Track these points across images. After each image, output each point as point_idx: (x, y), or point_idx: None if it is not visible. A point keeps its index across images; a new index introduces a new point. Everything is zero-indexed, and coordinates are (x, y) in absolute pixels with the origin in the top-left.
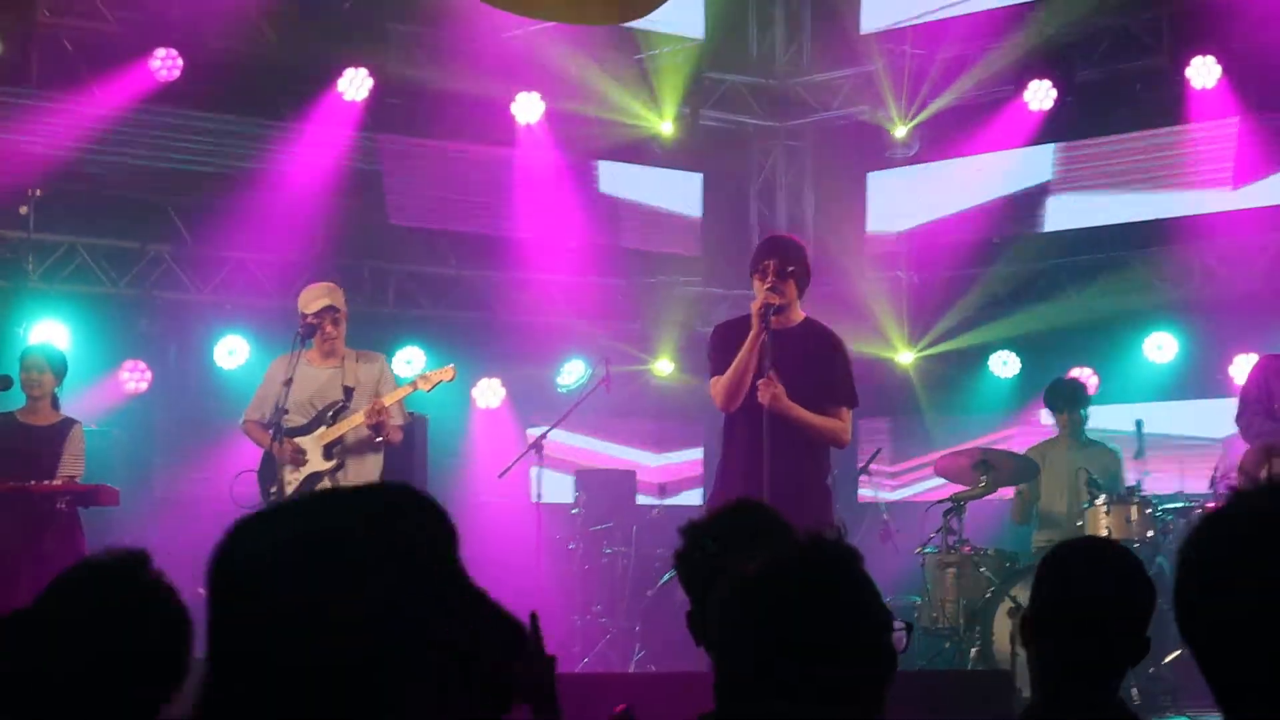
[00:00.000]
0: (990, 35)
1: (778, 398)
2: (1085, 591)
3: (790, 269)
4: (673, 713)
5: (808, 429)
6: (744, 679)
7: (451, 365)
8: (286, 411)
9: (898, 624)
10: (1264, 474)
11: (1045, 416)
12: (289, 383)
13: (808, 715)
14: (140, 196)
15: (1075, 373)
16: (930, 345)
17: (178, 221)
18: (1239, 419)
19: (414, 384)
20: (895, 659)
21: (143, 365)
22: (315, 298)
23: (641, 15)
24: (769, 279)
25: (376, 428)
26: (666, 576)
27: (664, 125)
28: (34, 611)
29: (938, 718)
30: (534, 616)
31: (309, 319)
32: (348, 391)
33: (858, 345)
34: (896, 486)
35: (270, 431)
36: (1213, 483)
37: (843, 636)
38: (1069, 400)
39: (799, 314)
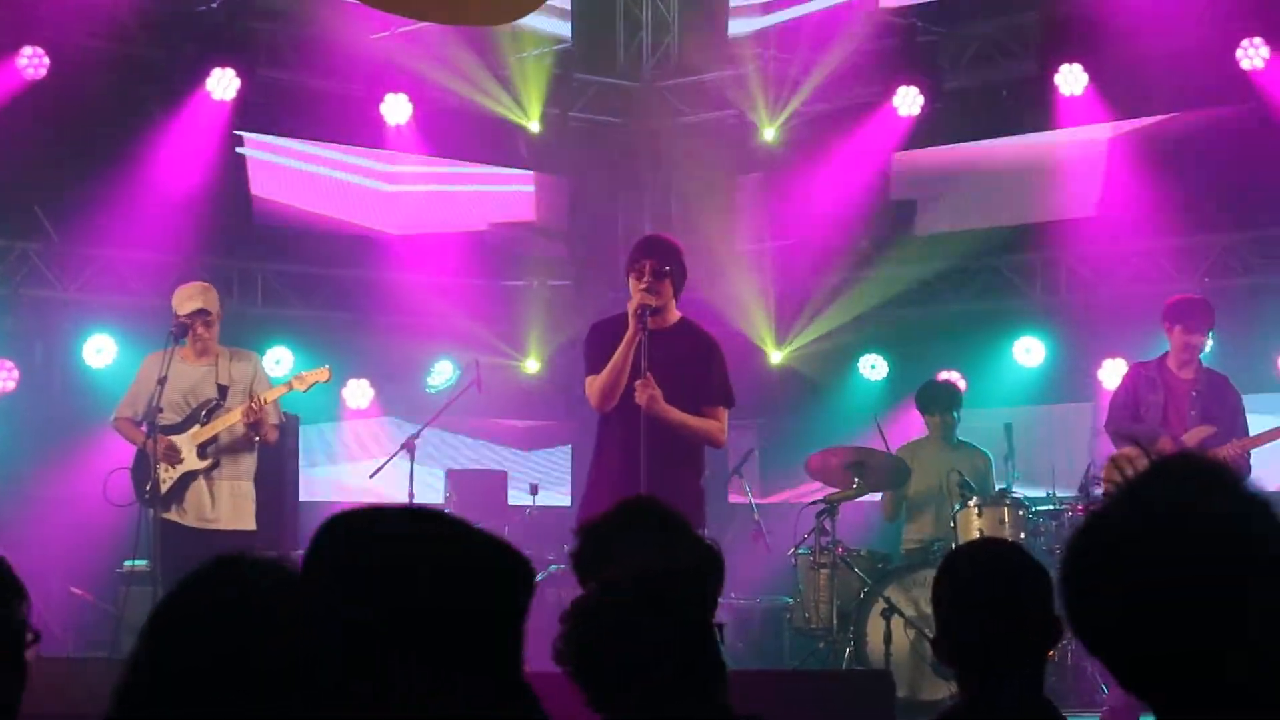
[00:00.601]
0: (859, 41)
1: (655, 399)
2: (988, 594)
3: (667, 269)
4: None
5: (683, 430)
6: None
7: (327, 366)
8: (161, 410)
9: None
10: (1118, 477)
11: (913, 419)
12: (163, 381)
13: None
14: (6, 194)
15: (944, 376)
16: (799, 348)
17: (44, 219)
18: (1106, 425)
19: (289, 384)
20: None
21: (9, 364)
22: (188, 298)
23: (515, 18)
24: (645, 279)
25: (254, 426)
26: (540, 576)
27: (532, 125)
28: None
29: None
30: None
31: (181, 319)
32: (222, 390)
33: (726, 347)
34: (767, 491)
35: (143, 429)
36: (1082, 486)
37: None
38: (942, 402)
39: (675, 315)
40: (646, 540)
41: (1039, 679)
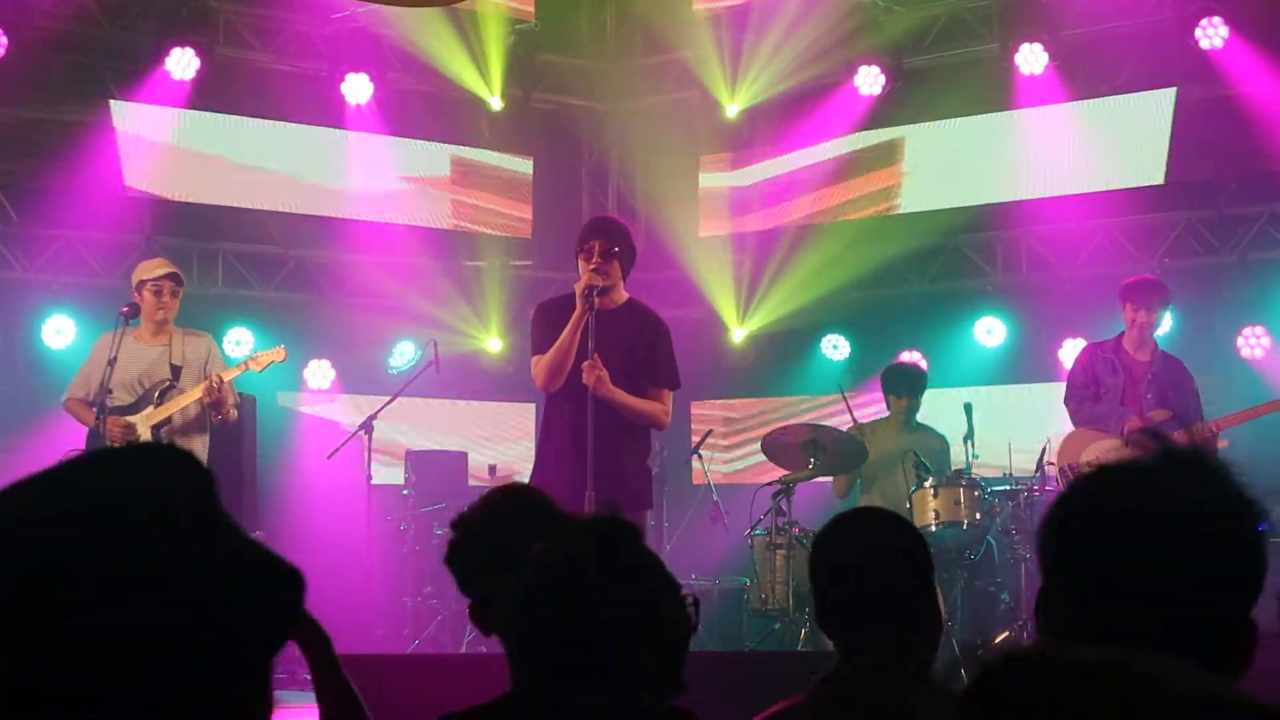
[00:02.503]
0: (821, 21)
1: (602, 380)
2: (841, 560)
3: (615, 249)
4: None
5: (629, 412)
6: (545, 665)
7: (282, 346)
8: (111, 391)
9: (687, 596)
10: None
11: (875, 399)
12: (113, 362)
13: (612, 701)
14: None
15: (907, 357)
16: (762, 328)
17: (3, 199)
18: (1066, 403)
19: (245, 364)
20: (689, 632)
21: None
22: (156, 265)
23: None
24: (594, 260)
25: (216, 405)
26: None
27: (493, 101)
28: None
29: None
30: None
31: (148, 284)
32: (175, 370)
33: (690, 328)
34: (729, 462)
35: (94, 410)
36: (1039, 466)
37: (640, 614)
38: (908, 386)
39: (623, 295)
40: (520, 529)
41: (901, 639)
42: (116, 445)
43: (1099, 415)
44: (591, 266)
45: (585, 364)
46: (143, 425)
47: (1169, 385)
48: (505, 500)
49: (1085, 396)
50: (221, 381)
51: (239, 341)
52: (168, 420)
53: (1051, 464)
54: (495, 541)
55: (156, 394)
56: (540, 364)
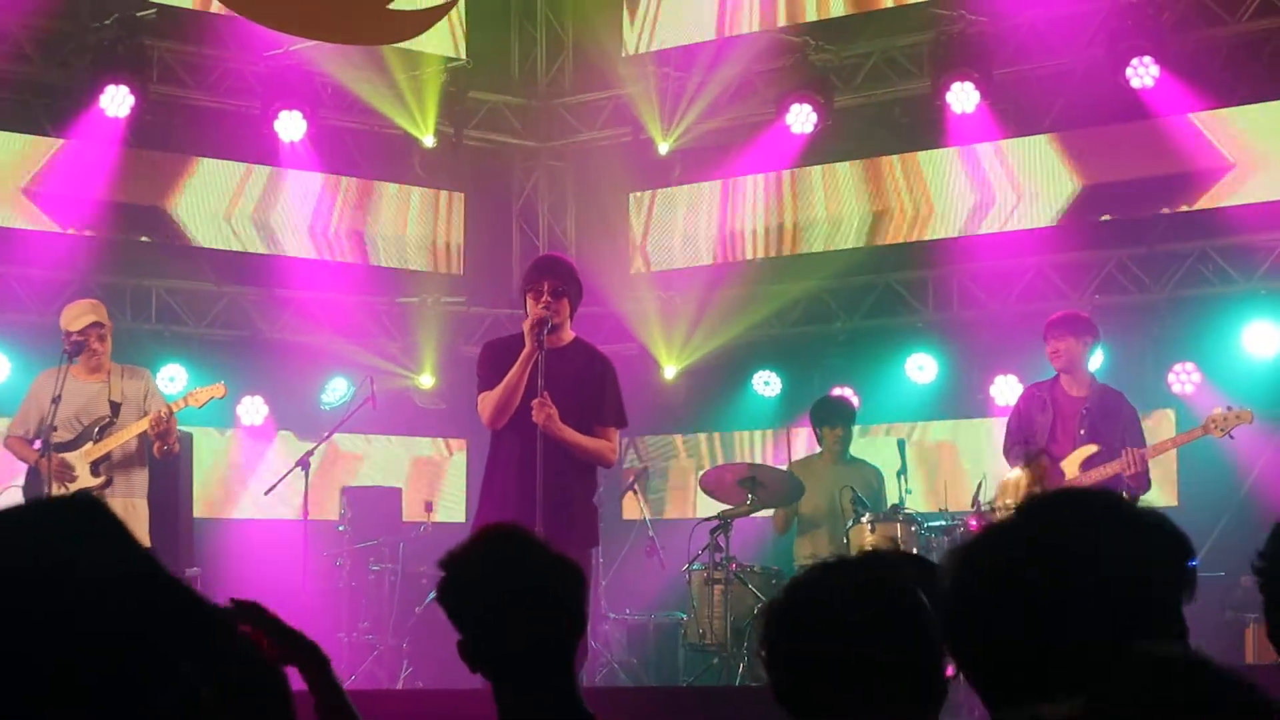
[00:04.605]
0: (753, 59)
1: (551, 418)
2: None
3: (563, 289)
4: None
5: (577, 450)
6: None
7: (221, 382)
8: (56, 429)
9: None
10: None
11: (806, 436)
12: (58, 399)
13: None
14: None
15: (838, 392)
16: (693, 365)
17: None
18: (1004, 451)
19: (185, 399)
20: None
21: None
22: (79, 314)
23: (408, 38)
24: (543, 298)
25: (163, 435)
26: (434, 594)
27: (425, 138)
28: None
29: None
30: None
31: (74, 336)
32: (114, 407)
33: (621, 364)
34: (661, 506)
35: (36, 447)
36: (974, 502)
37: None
38: (838, 417)
39: (570, 334)
40: (507, 564)
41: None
42: (53, 481)
43: (1025, 455)
44: (541, 305)
45: (535, 402)
46: (81, 462)
47: (1102, 418)
48: (496, 538)
49: (1016, 441)
50: (170, 413)
51: (172, 378)
52: (107, 456)
53: (990, 503)
54: (485, 578)
55: (96, 430)
56: (488, 400)
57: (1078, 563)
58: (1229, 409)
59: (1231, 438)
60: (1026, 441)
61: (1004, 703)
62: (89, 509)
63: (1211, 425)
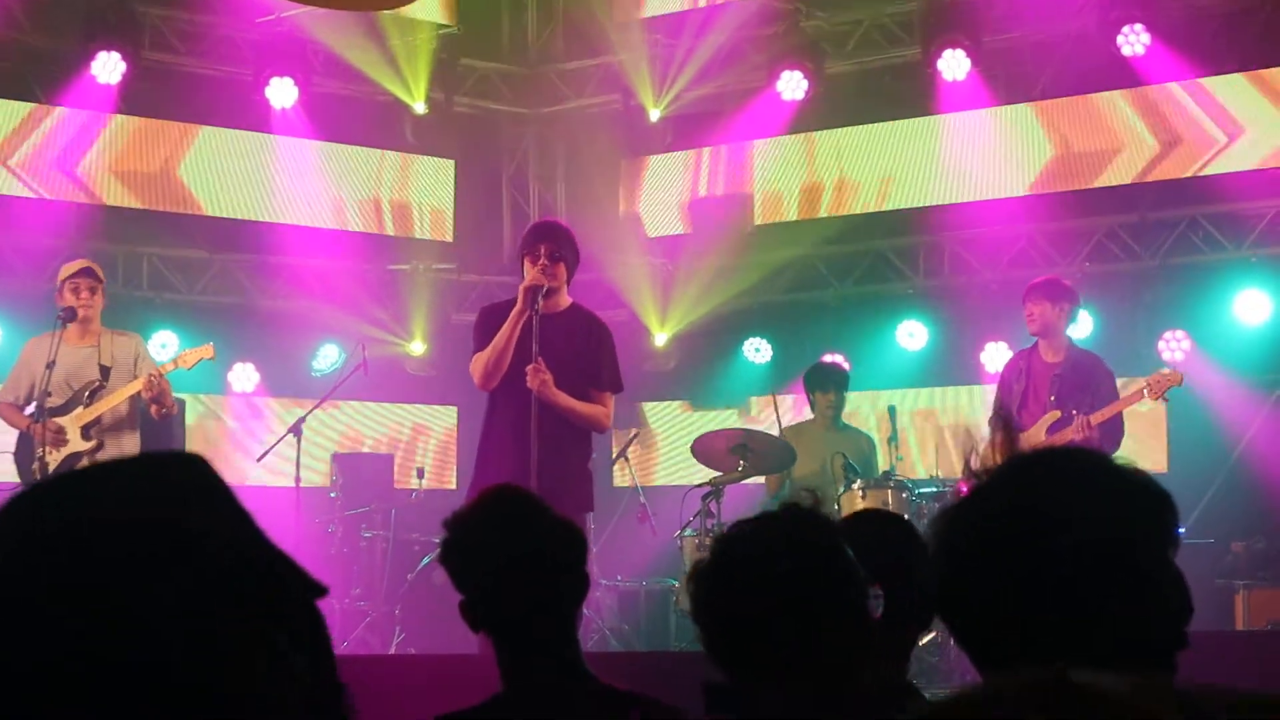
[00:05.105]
0: (743, 25)
1: (546, 384)
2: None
3: (560, 253)
4: (437, 695)
5: (572, 415)
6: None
7: (210, 343)
8: (50, 394)
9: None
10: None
11: (798, 403)
12: (51, 364)
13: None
14: None
15: (828, 358)
16: (684, 332)
17: None
18: (989, 421)
19: (175, 362)
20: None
21: None
22: (73, 264)
23: (400, 4)
24: (540, 263)
25: (158, 398)
26: (426, 559)
27: (416, 105)
28: None
29: None
30: None
31: (66, 284)
32: (104, 371)
33: (612, 332)
34: (653, 473)
35: (27, 413)
36: (966, 468)
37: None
38: (830, 382)
39: (566, 299)
40: (510, 527)
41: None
42: (45, 446)
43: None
44: (538, 269)
45: (530, 367)
46: (72, 426)
47: (1075, 382)
48: (500, 500)
49: (997, 410)
50: (162, 375)
51: (164, 344)
52: (98, 420)
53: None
54: (488, 540)
55: (86, 394)
56: (478, 361)
57: (1053, 524)
58: (1162, 373)
59: (1166, 400)
60: (1004, 409)
61: (993, 665)
62: (201, 466)
63: (1147, 389)
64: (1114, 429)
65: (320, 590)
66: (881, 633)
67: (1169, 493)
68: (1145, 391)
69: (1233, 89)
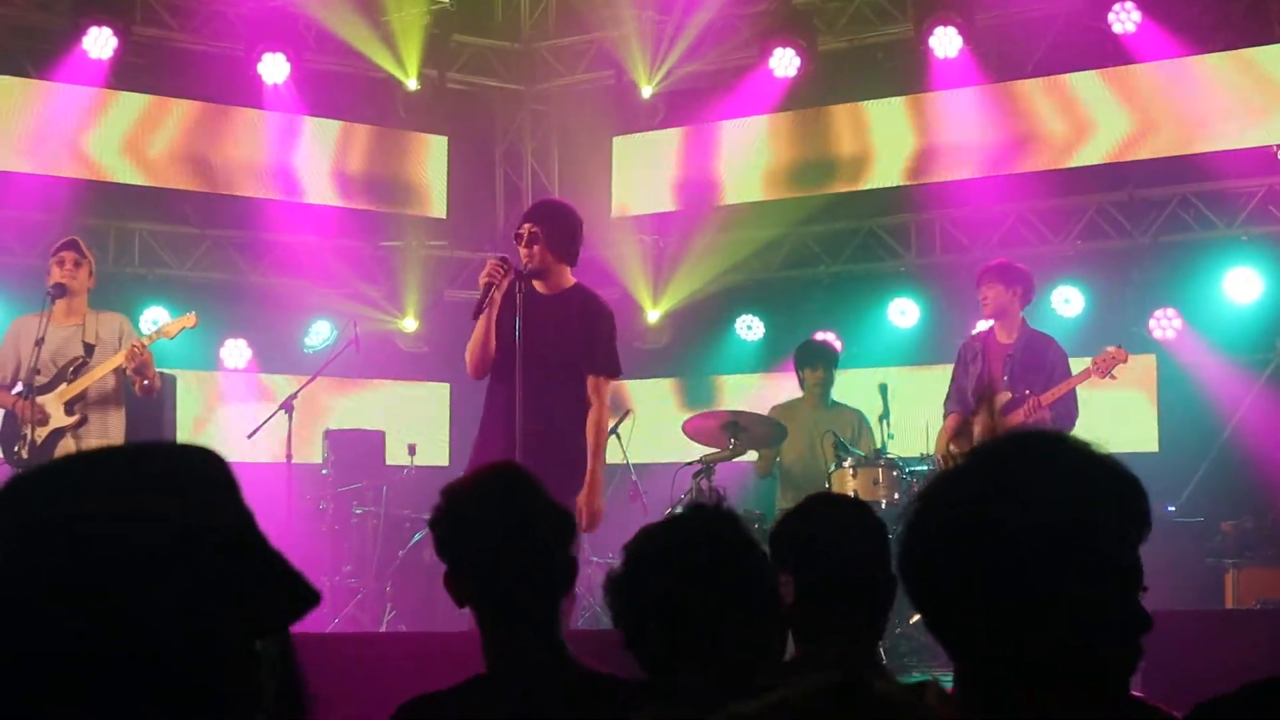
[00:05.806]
0: (735, 2)
1: (595, 517)
2: (830, 548)
3: (535, 230)
4: (427, 673)
5: (600, 451)
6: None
7: (193, 312)
8: (39, 372)
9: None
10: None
11: (788, 380)
12: (40, 342)
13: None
14: None
15: (821, 336)
16: (675, 309)
17: None
18: (945, 402)
19: (158, 332)
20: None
21: None
22: (62, 240)
23: None
24: (522, 243)
25: (140, 369)
26: (417, 536)
27: (409, 81)
28: None
29: None
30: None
31: (52, 260)
32: (88, 348)
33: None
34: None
35: (11, 391)
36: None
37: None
38: (819, 358)
39: (568, 280)
40: (502, 503)
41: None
42: (30, 424)
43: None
44: (521, 249)
45: (585, 510)
46: (55, 403)
47: (1027, 363)
48: (496, 476)
49: (953, 395)
50: (145, 346)
51: (155, 321)
52: (82, 395)
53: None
54: (483, 514)
55: (70, 371)
56: (466, 352)
57: (1015, 507)
58: (1108, 351)
59: (1113, 377)
60: (960, 398)
61: (961, 649)
62: (207, 458)
63: (1093, 369)
64: (1067, 409)
65: (313, 599)
66: (795, 615)
67: (1136, 477)
68: (1092, 370)
69: (1223, 67)
